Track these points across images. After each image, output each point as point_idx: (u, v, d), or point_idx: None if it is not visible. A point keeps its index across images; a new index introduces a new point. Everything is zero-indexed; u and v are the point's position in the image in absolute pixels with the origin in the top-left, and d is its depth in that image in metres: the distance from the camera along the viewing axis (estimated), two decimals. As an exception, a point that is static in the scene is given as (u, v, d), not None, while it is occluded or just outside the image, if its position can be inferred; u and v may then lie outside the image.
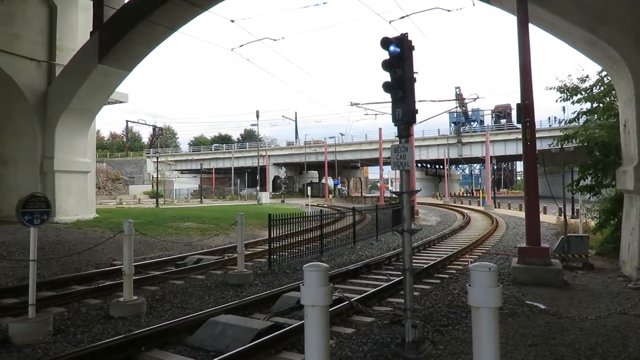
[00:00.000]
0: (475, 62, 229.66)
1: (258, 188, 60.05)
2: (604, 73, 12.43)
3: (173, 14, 15.78)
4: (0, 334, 5.54)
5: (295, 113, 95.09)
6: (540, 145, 14.38)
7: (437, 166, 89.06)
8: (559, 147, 12.30)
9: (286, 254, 10.96)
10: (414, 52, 5.31)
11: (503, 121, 75.38)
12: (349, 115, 70.40)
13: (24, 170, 17.73)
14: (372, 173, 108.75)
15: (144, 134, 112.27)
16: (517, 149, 57.64)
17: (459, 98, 68.79)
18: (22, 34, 17.25)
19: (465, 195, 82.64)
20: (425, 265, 9.84)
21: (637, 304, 6.81)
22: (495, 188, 56.59)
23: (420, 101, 32.13)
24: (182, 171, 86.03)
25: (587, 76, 13.34)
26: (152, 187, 60.70)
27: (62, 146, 17.80)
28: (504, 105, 77.84)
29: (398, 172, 5.42)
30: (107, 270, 9.72)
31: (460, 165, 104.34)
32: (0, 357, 4.99)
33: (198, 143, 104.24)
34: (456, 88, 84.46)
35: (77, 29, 19.01)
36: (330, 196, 61.49)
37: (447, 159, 65.22)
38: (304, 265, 3.59)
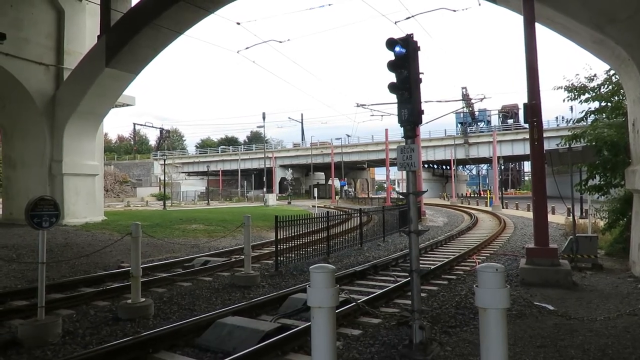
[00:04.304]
0: (482, 62, 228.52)
1: (265, 190, 60.25)
2: (612, 72, 12.32)
3: (179, 17, 15.90)
4: (10, 336, 5.61)
5: (302, 115, 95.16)
6: (548, 145, 14.27)
7: (444, 167, 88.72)
8: (567, 146, 12.21)
9: (293, 255, 10.97)
10: (419, 52, 5.30)
11: (510, 121, 74.94)
12: (355, 116, 70.80)
13: (33, 173, 17.90)
14: (379, 174, 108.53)
15: (151, 137, 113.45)
16: (524, 149, 57.29)
17: (466, 98, 68.40)
18: (30, 39, 17.42)
19: (472, 195, 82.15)
20: (432, 267, 9.80)
21: (648, 304, 6.74)
22: (503, 188, 56.27)
23: (426, 102, 32.08)
24: (189, 173, 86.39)
25: (595, 75, 13.25)
26: (160, 189, 61.02)
27: (70, 149, 17.95)
28: (511, 105, 77.30)
29: (405, 173, 5.41)
30: (115, 272, 9.76)
31: (467, 166, 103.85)
32: (10, 358, 5.04)
33: (205, 145, 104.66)
34: (463, 88, 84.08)
35: (84, 33, 19.19)
36: (337, 197, 61.44)
37: (454, 160, 64.86)
38: (311, 267, 3.59)
